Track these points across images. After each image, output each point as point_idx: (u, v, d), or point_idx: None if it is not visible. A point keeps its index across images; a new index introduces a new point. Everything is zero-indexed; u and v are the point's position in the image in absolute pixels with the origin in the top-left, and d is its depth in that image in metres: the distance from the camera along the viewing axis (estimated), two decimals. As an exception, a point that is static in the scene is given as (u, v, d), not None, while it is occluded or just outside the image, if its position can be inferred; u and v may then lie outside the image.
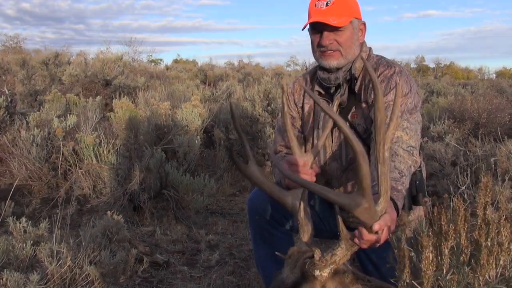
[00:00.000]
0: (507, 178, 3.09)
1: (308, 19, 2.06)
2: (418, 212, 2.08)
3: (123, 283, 2.61)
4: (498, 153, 4.03)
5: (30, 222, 2.16)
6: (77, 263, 1.88)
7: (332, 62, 2.04)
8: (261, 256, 2.22)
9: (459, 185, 3.62)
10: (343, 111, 2.11)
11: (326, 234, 2.36)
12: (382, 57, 2.16)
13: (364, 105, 2.07)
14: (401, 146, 1.84)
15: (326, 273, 1.44)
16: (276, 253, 1.59)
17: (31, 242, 1.99)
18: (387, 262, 1.47)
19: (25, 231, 2.08)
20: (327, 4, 2.00)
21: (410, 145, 1.89)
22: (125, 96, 6.73)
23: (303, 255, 1.51)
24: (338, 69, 2.06)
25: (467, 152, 4.80)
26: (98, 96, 7.85)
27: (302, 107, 2.24)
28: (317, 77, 2.18)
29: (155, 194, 3.89)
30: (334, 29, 1.99)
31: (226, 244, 3.58)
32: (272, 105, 5.32)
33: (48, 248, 1.88)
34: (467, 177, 3.40)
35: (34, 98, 8.20)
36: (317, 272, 1.43)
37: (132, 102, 5.70)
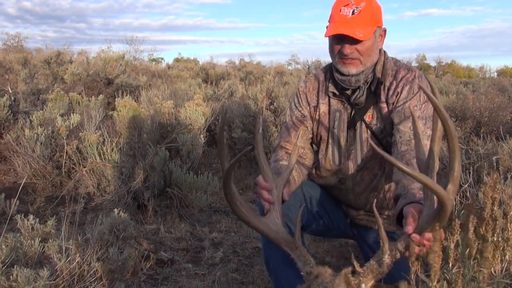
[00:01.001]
0: (509, 176, 3.10)
1: (330, 22, 2.02)
2: None
3: (128, 280, 2.64)
4: (500, 151, 4.05)
5: (38, 219, 2.18)
6: (86, 260, 1.90)
7: (351, 70, 2.03)
8: (272, 255, 2.16)
9: (461, 183, 3.63)
10: (359, 111, 2.12)
11: (334, 233, 2.37)
12: (396, 59, 2.16)
13: (384, 105, 2.07)
14: None
15: (369, 285, 1.42)
16: (302, 273, 1.53)
17: (39, 239, 2.01)
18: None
19: (32, 228, 2.10)
20: (353, 13, 1.95)
21: None
22: (128, 95, 6.76)
23: (334, 273, 1.47)
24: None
25: (469, 150, 4.81)
26: (101, 95, 7.87)
27: (316, 107, 2.23)
28: (330, 77, 2.18)
29: (159, 192, 3.91)
30: (357, 40, 1.96)
31: (229, 242, 3.60)
32: (275, 103, 5.34)
33: (56, 245, 1.90)
34: (469, 175, 3.41)
35: (36, 97, 8.21)
36: (363, 286, 1.41)
37: (134, 100, 5.73)
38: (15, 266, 1.69)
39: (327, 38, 2.09)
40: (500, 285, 1.23)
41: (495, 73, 29.48)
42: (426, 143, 1.81)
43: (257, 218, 1.64)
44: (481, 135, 5.14)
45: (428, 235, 1.35)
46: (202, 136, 4.44)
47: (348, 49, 1.99)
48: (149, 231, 3.70)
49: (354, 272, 1.45)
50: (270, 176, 1.76)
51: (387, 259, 1.42)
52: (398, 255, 1.42)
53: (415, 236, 1.36)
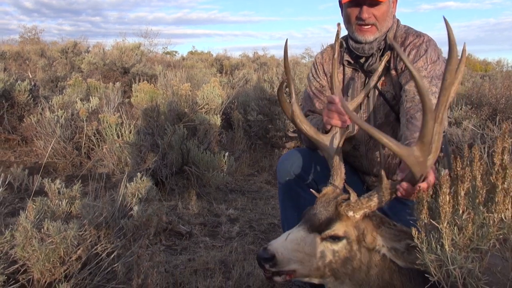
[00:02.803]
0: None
1: None
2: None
3: (149, 248, 2.73)
4: (516, 135, 4.06)
5: (64, 184, 2.28)
6: (112, 216, 1.99)
7: (369, 37, 2.12)
8: (287, 216, 2.31)
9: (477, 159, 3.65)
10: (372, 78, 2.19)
11: None
12: (409, 27, 2.22)
13: (393, 72, 2.14)
14: None
15: (358, 215, 1.54)
16: (311, 190, 1.68)
17: (66, 201, 2.10)
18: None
19: (59, 192, 2.20)
20: None
21: None
22: (145, 82, 6.87)
23: (338, 196, 1.61)
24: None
25: (485, 135, 4.82)
26: (117, 83, 7.99)
27: (332, 76, 2.32)
28: (346, 47, 2.26)
29: (177, 170, 4.00)
30: (374, 3, 2.04)
31: (245, 218, 3.68)
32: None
33: (84, 203, 1.99)
34: (484, 153, 3.44)
35: (55, 84, 8.37)
36: (351, 213, 1.54)
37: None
38: (45, 220, 1.78)
39: (342, 13, 2.19)
40: (511, 230, 1.28)
41: (512, 67, 28.98)
42: (430, 98, 1.91)
43: (316, 132, 1.85)
44: (497, 121, 5.13)
45: (405, 184, 1.47)
46: (218, 116, 4.51)
47: (365, 12, 2.07)
48: (167, 207, 3.79)
49: (347, 200, 1.58)
50: (339, 94, 1.95)
51: (380, 195, 1.53)
52: (393, 194, 1.52)
53: (405, 184, 1.48)
